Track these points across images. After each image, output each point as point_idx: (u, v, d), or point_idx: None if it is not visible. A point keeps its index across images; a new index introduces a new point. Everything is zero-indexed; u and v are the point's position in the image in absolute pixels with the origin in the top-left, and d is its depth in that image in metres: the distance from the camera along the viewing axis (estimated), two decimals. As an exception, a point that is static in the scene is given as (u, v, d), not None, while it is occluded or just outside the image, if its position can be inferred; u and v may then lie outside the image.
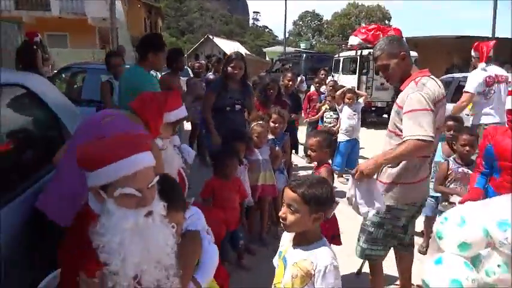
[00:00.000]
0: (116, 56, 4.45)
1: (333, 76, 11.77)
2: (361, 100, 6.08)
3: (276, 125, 3.83)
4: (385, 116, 12.13)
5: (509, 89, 4.18)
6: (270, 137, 3.80)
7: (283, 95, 4.78)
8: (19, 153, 2.13)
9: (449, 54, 18.24)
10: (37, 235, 1.79)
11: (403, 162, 2.30)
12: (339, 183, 5.80)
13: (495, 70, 4.45)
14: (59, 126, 2.26)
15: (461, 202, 2.37)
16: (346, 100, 5.73)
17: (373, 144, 8.60)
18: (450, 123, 3.53)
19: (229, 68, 3.75)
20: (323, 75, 7.11)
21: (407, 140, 2.12)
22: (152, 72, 3.58)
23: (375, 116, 12.08)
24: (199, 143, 6.36)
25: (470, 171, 2.95)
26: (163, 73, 5.44)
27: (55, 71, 7.13)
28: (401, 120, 2.26)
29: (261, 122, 3.65)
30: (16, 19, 17.02)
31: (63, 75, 6.65)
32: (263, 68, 24.15)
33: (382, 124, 11.87)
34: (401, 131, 2.24)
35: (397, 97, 2.40)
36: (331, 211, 1.61)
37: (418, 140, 2.09)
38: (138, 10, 28.59)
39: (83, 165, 1.20)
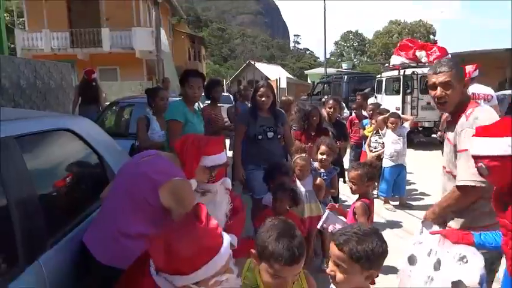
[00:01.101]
0: (157, 91, 4.40)
1: (375, 97, 11.53)
2: (406, 124, 5.87)
3: (325, 157, 3.71)
4: (434, 135, 11.66)
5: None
6: (321, 170, 3.72)
7: (324, 122, 4.68)
8: (69, 192, 2.23)
9: (501, 68, 17.35)
10: (83, 269, 1.86)
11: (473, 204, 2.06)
12: (385, 210, 5.59)
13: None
14: (103, 166, 2.36)
15: None
16: (389, 125, 5.56)
17: (422, 167, 8.29)
18: None
19: (257, 97, 3.72)
20: (359, 99, 6.96)
21: (458, 185, 1.99)
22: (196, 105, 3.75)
23: (423, 137, 11.65)
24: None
25: None
26: (204, 104, 5.62)
27: (107, 103, 7.60)
28: (450, 159, 2.13)
29: (304, 155, 3.58)
30: (71, 56, 18.44)
31: (113, 109, 7.01)
32: (304, 91, 24.18)
33: (431, 144, 11.41)
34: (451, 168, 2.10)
35: (447, 125, 2.24)
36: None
37: (467, 185, 1.95)
38: (182, 41, 29.88)
39: (176, 274, 1.26)
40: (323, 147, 3.68)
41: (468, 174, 1.93)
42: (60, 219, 1.97)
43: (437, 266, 1.86)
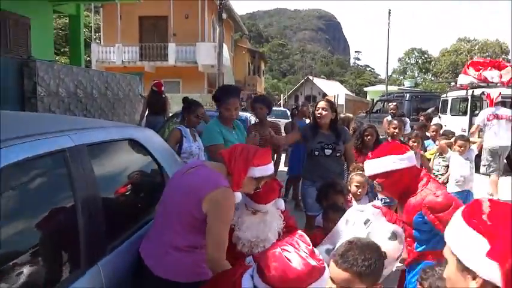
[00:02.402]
0: (195, 108, 4.18)
1: (440, 118, 10.98)
2: (474, 147, 5.51)
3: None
4: (504, 161, 10.80)
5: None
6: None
7: (381, 142, 4.53)
8: (129, 200, 2.35)
9: None
10: (138, 277, 1.93)
11: None
12: None
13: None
14: (162, 176, 2.46)
15: None
16: (457, 148, 5.24)
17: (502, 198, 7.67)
18: None
19: (316, 112, 3.71)
20: (423, 120, 6.66)
21: None
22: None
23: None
24: (296, 188, 6.33)
25: None
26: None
27: (170, 114, 8.02)
28: None
29: (362, 171, 3.47)
30: (139, 69, 19.59)
31: (175, 120, 7.32)
32: (363, 108, 23.63)
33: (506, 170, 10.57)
34: None
35: None
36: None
37: None
38: (242, 56, 30.61)
39: None
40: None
41: None
42: (120, 225, 2.06)
43: (369, 235, 1.91)
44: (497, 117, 7.21)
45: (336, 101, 28.98)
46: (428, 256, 2.03)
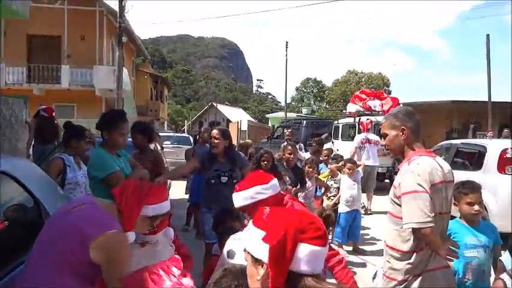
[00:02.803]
0: (83, 133, 3.96)
1: (333, 142, 11.86)
2: (359, 169, 6.04)
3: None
4: (387, 181, 12.03)
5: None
6: None
7: (277, 166, 4.72)
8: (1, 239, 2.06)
9: (448, 119, 18.53)
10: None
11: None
12: (352, 257, 5.55)
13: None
14: (40, 211, 2.22)
15: None
16: (346, 170, 5.68)
17: (375, 211, 8.46)
18: None
19: (210, 141, 3.83)
20: (315, 145, 7.19)
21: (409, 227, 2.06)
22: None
23: (376, 182, 11.97)
24: (197, 218, 6.22)
25: None
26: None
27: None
28: (395, 202, 2.20)
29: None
30: (26, 91, 17.84)
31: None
32: (265, 134, 24.52)
33: (384, 189, 11.71)
34: (397, 212, 2.17)
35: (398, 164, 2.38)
36: None
37: (415, 228, 2.02)
38: (144, 80, 29.86)
39: None
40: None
41: (414, 217, 2.02)
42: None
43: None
44: (368, 141, 8.74)
45: (239, 127, 29.66)
46: None
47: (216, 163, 3.77)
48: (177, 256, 1.61)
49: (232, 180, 3.76)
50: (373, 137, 8.86)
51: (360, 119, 10.86)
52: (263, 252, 1.06)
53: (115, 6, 15.48)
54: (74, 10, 18.95)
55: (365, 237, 6.48)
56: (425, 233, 2.00)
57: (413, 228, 2.04)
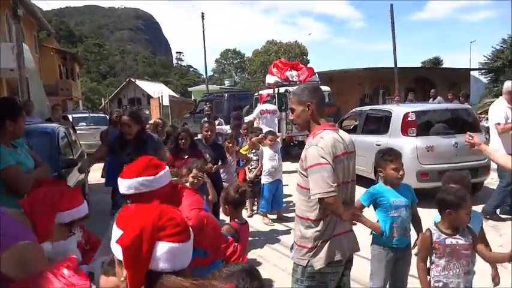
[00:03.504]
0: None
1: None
2: (279, 140, 6.22)
3: (195, 181, 3.53)
4: (308, 148, 12.58)
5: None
6: None
7: (197, 144, 4.68)
8: None
9: (361, 86, 19.72)
10: None
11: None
12: (264, 225, 5.79)
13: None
14: None
15: None
16: (268, 142, 5.81)
17: (294, 177, 8.84)
18: None
19: (122, 129, 3.75)
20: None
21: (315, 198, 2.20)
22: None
23: (298, 150, 12.48)
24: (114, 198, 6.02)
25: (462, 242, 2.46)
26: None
27: None
28: (303, 175, 2.32)
29: (176, 178, 3.50)
30: None
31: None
32: (188, 108, 24.08)
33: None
34: (305, 184, 2.29)
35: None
36: None
37: (320, 197, 2.17)
38: (51, 57, 27.36)
39: None
40: (194, 171, 3.50)
41: (319, 187, 2.17)
42: None
43: None
44: (267, 111, 9.65)
45: (161, 102, 28.75)
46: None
47: (128, 147, 3.68)
48: (74, 255, 1.53)
49: None
50: (271, 107, 9.89)
51: (287, 89, 11.12)
52: (119, 253, 1.05)
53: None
54: (-44, -22, 16.53)
55: (289, 204, 6.76)
56: (329, 202, 2.17)
57: (318, 198, 2.19)
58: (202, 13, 29.41)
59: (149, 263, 1.03)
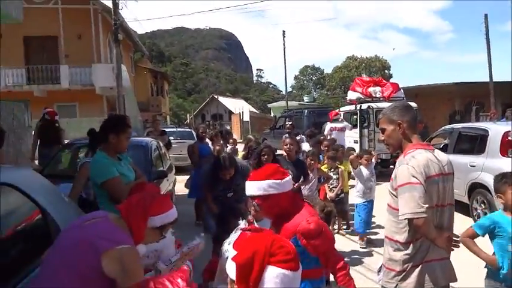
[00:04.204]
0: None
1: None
2: (373, 160, 6.01)
3: None
4: (392, 167, 12.02)
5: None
6: None
7: (279, 160, 4.69)
8: (8, 250, 2.09)
9: (451, 101, 18.42)
10: None
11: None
12: (343, 245, 5.56)
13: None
14: (47, 222, 2.24)
15: None
16: (364, 161, 5.62)
17: (380, 198, 8.44)
18: None
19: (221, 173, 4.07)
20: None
21: (405, 219, 2.11)
22: None
23: (381, 168, 12.00)
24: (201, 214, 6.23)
25: None
26: None
27: (66, 141, 7.50)
28: (393, 195, 2.24)
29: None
30: (27, 93, 17.88)
31: (69, 150, 6.81)
32: (267, 124, 24.51)
33: (389, 176, 11.73)
34: (395, 204, 2.21)
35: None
36: None
37: (409, 218, 2.07)
38: (144, 76, 29.81)
39: None
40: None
41: (409, 207, 2.07)
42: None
43: None
44: (335, 128, 10.01)
45: (241, 118, 29.65)
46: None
47: (221, 183, 4.06)
48: (186, 267, 1.64)
49: (238, 194, 3.97)
50: (340, 124, 10.31)
51: (369, 105, 10.90)
52: (233, 270, 1.16)
53: (109, 2, 15.41)
54: (69, 9, 18.83)
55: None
56: (418, 224, 2.06)
57: (408, 219, 2.09)
58: (283, 31, 29.95)
59: (258, 283, 1.12)
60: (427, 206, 2.05)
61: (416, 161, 2.14)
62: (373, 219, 6.83)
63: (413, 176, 2.09)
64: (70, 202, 2.69)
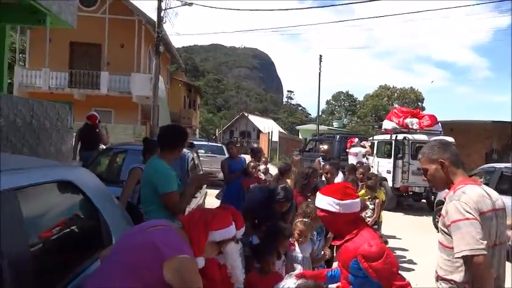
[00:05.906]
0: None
1: (367, 159, 11.67)
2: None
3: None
4: (424, 201, 11.70)
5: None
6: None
7: (318, 184, 4.65)
8: (63, 249, 2.12)
9: (488, 139, 17.86)
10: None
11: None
12: None
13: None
14: (99, 220, 2.28)
15: None
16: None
17: (411, 232, 8.23)
18: None
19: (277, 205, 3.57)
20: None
21: (461, 257, 1.99)
22: None
23: (412, 201, 11.73)
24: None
25: None
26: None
27: (106, 146, 7.72)
28: (445, 232, 2.15)
29: (306, 219, 3.36)
30: (68, 96, 18.58)
31: (107, 154, 6.98)
32: (295, 146, 24.42)
33: (420, 210, 11.44)
34: (448, 242, 2.11)
35: None
36: None
37: (467, 255, 1.96)
38: (178, 89, 30.46)
39: None
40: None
41: (465, 244, 1.95)
42: (55, 275, 1.87)
43: None
44: (350, 153, 10.75)
45: (270, 138, 29.70)
46: None
47: (276, 214, 3.94)
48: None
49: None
50: (354, 150, 10.78)
51: (405, 137, 10.78)
52: None
53: (153, 15, 15.95)
54: (115, 19, 19.64)
55: (401, 259, 6.29)
56: (478, 261, 1.93)
57: (465, 258, 1.98)
58: (320, 55, 30.10)
59: None
60: (486, 243, 1.95)
61: (467, 196, 2.05)
62: (404, 253, 6.66)
63: (468, 212, 2.00)
64: (119, 204, 2.73)
